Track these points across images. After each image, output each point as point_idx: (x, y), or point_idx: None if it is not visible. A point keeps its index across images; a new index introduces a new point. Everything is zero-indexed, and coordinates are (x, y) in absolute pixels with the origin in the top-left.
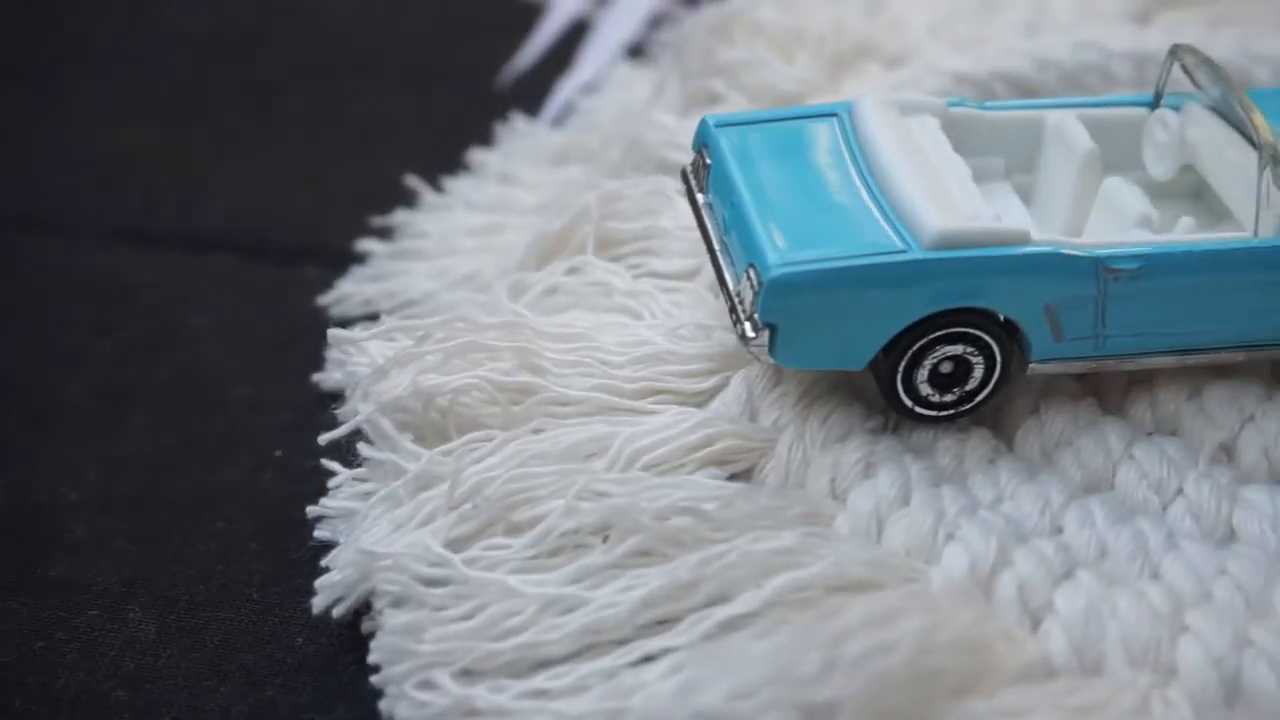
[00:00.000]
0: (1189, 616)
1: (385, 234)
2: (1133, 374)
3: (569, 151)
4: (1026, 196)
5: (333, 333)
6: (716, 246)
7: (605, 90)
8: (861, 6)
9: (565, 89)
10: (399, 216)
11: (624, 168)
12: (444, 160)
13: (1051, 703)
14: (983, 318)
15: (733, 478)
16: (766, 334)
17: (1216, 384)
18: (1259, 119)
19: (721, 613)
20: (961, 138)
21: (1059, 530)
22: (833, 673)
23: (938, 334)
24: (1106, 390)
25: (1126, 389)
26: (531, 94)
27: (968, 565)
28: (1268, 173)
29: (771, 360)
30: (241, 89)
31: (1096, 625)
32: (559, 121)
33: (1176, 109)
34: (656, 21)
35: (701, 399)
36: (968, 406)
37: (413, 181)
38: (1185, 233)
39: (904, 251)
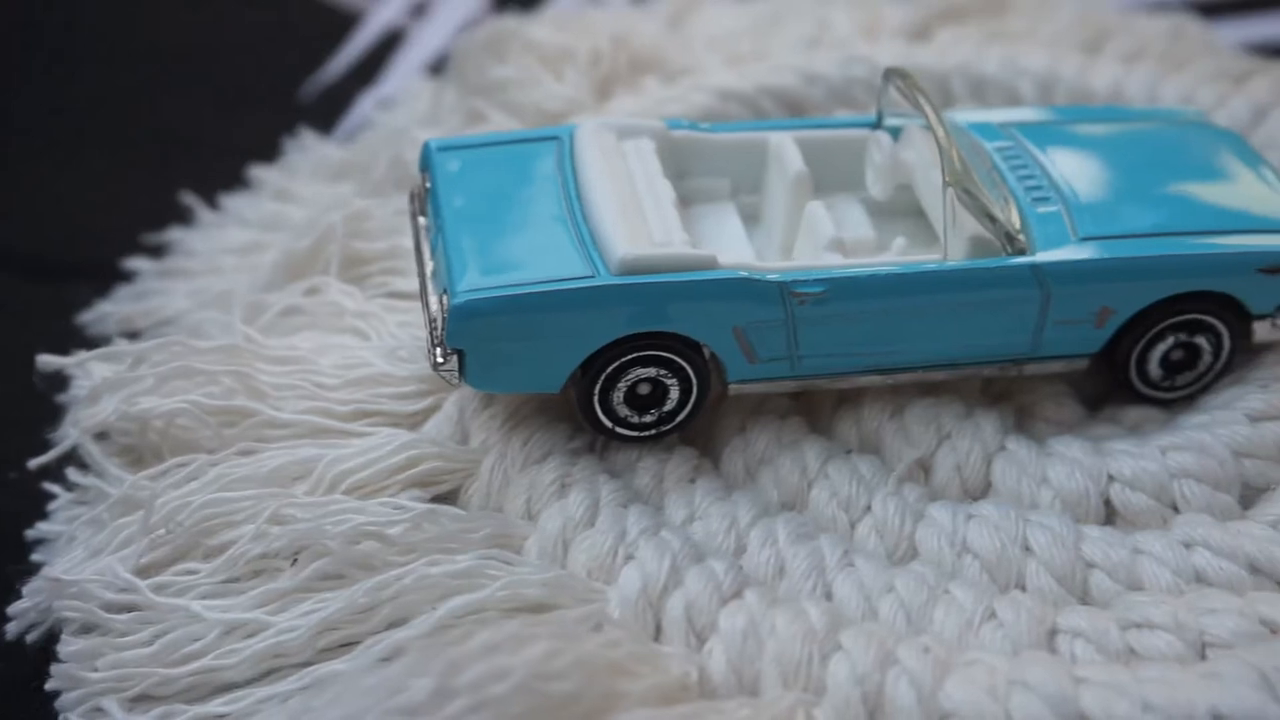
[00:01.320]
0: (844, 635)
1: (159, 251)
2: (844, 392)
3: (348, 168)
4: (753, 217)
5: (40, 359)
6: (427, 271)
7: (401, 104)
8: (663, 19)
9: (364, 102)
10: (172, 234)
11: (387, 185)
12: (240, 176)
13: None
14: (674, 341)
15: (439, 499)
16: (455, 359)
17: (918, 403)
18: (946, 141)
19: (399, 635)
20: (685, 160)
21: (743, 549)
22: (445, 700)
23: (630, 357)
24: (817, 408)
25: (836, 407)
26: (337, 106)
27: (640, 586)
28: (952, 198)
29: (463, 385)
30: (48, 105)
31: (754, 645)
32: (353, 136)
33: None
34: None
35: (415, 421)
36: (668, 427)
37: (188, 198)
38: (897, 253)
39: (591, 278)
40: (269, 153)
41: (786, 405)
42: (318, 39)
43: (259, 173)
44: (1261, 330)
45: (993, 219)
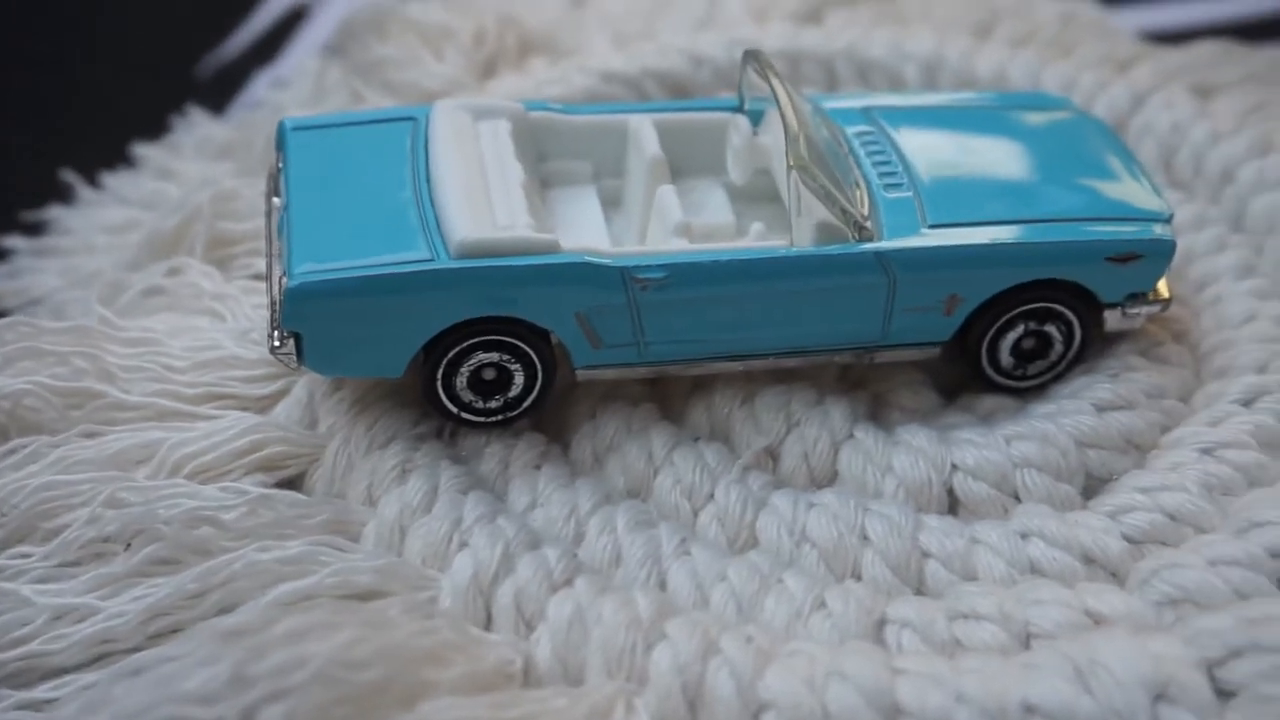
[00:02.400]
0: (670, 625)
1: (37, 229)
2: (698, 378)
3: (232, 147)
4: (616, 201)
5: None
6: (275, 252)
7: (293, 84)
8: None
9: (260, 81)
10: (52, 212)
11: (263, 166)
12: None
13: (490, 714)
14: (517, 326)
15: (285, 484)
16: (292, 342)
17: (769, 390)
18: (794, 125)
19: (227, 622)
20: (545, 142)
21: (582, 536)
22: (242, 688)
23: (473, 341)
24: (671, 395)
25: (689, 394)
26: (234, 84)
27: (472, 573)
28: (798, 183)
29: (302, 368)
30: None
31: (580, 633)
32: (246, 115)
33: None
34: None
35: (264, 404)
36: (515, 413)
37: (69, 176)
38: (755, 238)
39: (430, 261)
40: (161, 130)
41: (639, 392)
42: (222, 14)
43: (143, 150)
44: (1113, 319)
45: (839, 205)
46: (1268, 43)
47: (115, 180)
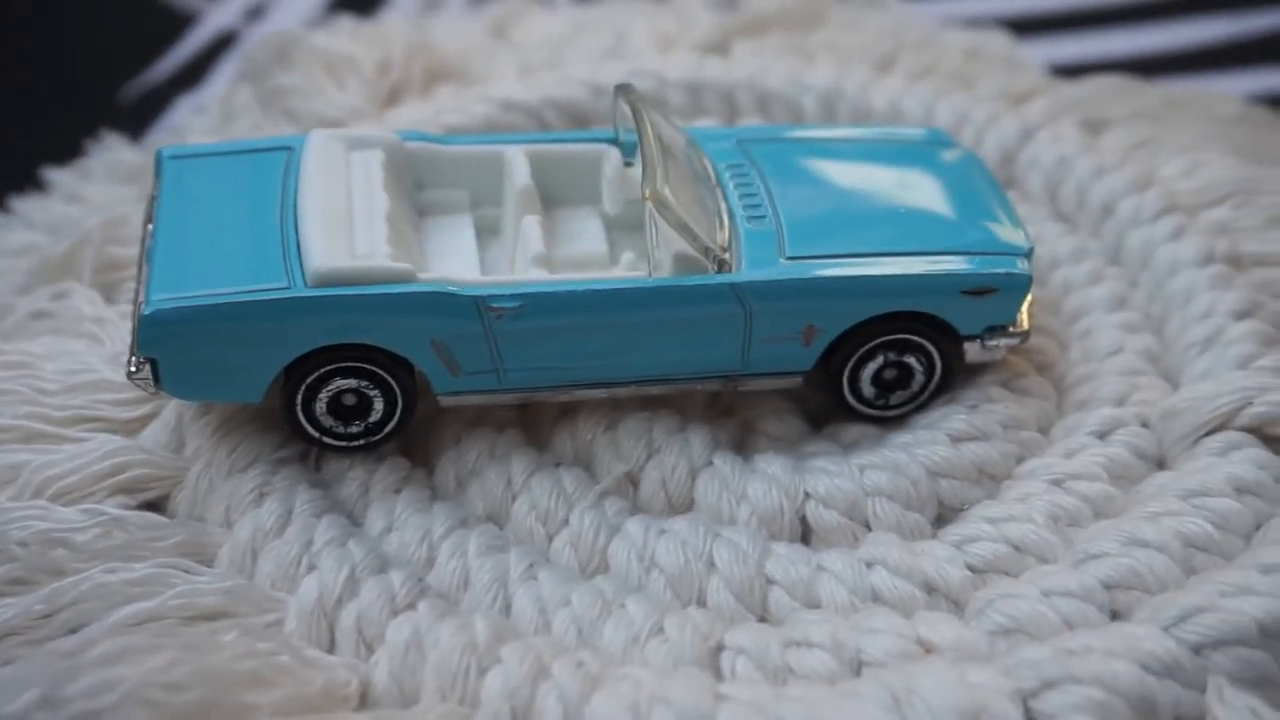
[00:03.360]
0: (505, 649)
1: None
2: (567, 405)
3: (140, 171)
4: (494, 230)
5: None
6: (142, 278)
7: (211, 109)
8: (487, 27)
9: (181, 106)
10: None
11: None
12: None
13: None
14: (374, 353)
15: (149, 506)
16: (149, 368)
17: (632, 417)
18: (654, 157)
19: (70, 643)
20: (422, 172)
21: (433, 561)
22: (53, 709)
23: (330, 368)
24: (538, 421)
25: (556, 420)
26: (157, 109)
27: (317, 596)
28: (655, 215)
29: (160, 393)
30: None
31: (417, 656)
32: (160, 139)
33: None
34: None
35: (132, 427)
36: (376, 438)
37: None
38: (625, 268)
39: (286, 288)
40: (77, 154)
41: (507, 417)
42: (150, 39)
43: (53, 175)
44: (973, 351)
45: (695, 236)
46: (1171, 76)
47: (23, 204)
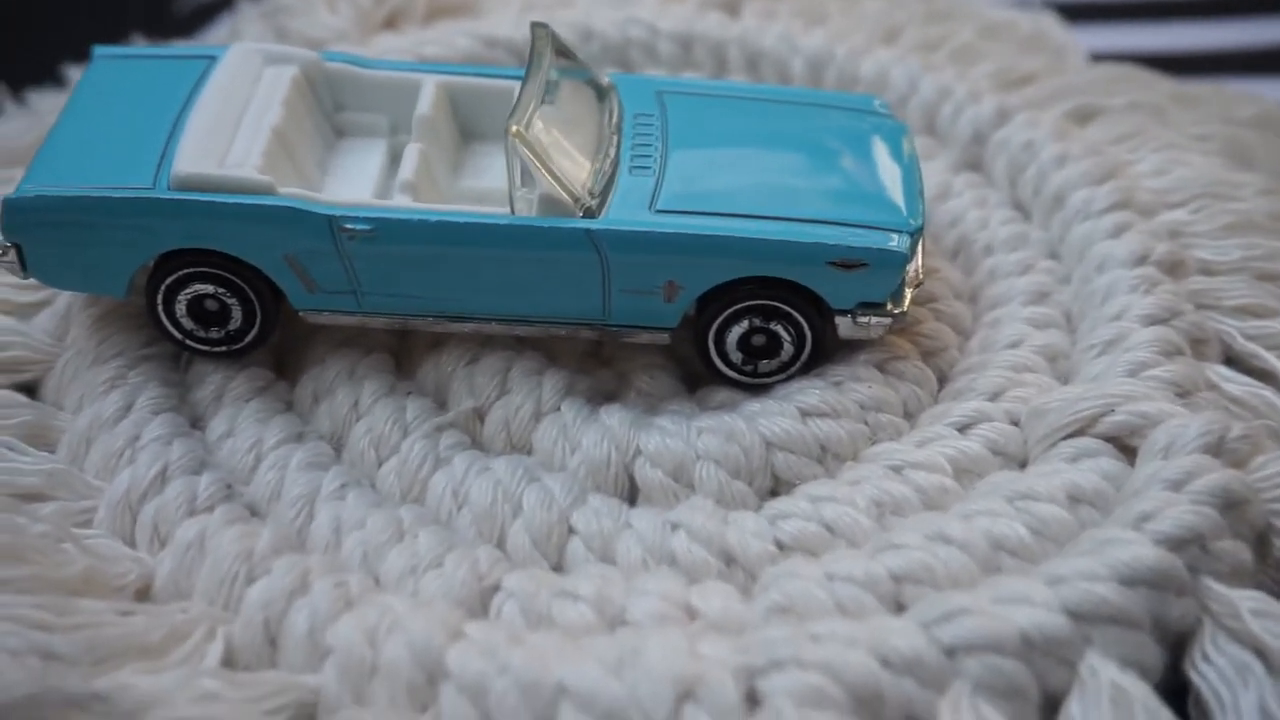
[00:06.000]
0: (278, 562)
1: None
2: (440, 336)
3: None
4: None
5: None
6: None
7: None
8: None
9: (227, 17)
10: None
11: None
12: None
13: (37, 614)
14: (234, 262)
15: (23, 388)
16: (14, 252)
17: (493, 354)
18: (528, 102)
19: None
20: (341, 93)
21: (255, 469)
22: None
23: (190, 271)
24: (410, 349)
25: (427, 350)
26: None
27: (126, 488)
28: (515, 151)
29: (25, 278)
30: None
31: (196, 558)
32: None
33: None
34: None
35: (27, 310)
36: (238, 346)
37: None
38: (524, 205)
39: (146, 189)
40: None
41: (380, 341)
42: None
43: (71, 72)
44: (845, 327)
45: (554, 177)
46: (1230, 77)
47: (36, 97)
